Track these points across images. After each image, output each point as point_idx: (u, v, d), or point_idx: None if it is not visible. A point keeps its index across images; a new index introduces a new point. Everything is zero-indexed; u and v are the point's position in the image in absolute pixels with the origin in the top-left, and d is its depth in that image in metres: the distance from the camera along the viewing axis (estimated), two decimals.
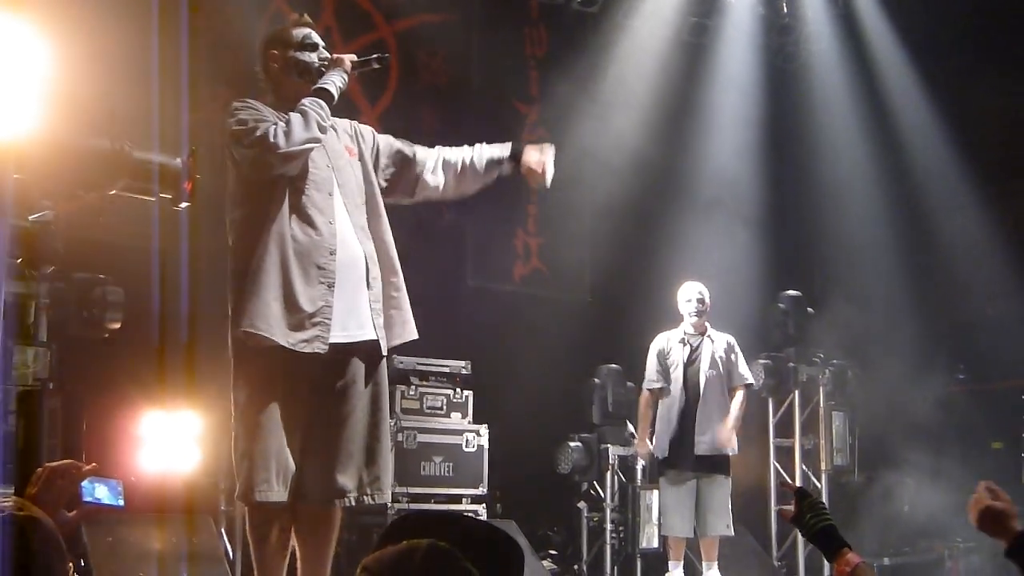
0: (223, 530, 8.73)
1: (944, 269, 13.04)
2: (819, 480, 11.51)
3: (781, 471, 11.50)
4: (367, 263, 5.30)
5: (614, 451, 10.72)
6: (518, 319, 11.71)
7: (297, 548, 5.27)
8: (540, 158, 5.93)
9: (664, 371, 9.46)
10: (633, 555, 10.60)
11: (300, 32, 5.46)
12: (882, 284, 12.53)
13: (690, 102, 12.77)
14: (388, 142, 5.84)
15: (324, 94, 5.35)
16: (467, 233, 12.25)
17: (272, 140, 5.04)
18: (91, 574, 7.68)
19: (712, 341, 9.45)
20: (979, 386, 13.17)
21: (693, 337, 9.45)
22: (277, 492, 4.99)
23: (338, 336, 5.08)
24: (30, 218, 7.36)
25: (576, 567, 10.73)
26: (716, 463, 9.27)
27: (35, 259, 7.57)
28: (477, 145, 6.00)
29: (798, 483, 11.25)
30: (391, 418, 9.22)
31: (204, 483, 8.64)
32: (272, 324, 4.96)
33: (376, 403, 5.25)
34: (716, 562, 9.23)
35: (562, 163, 12.51)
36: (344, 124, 5.71)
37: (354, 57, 5.54)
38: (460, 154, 5.93)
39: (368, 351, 5.23)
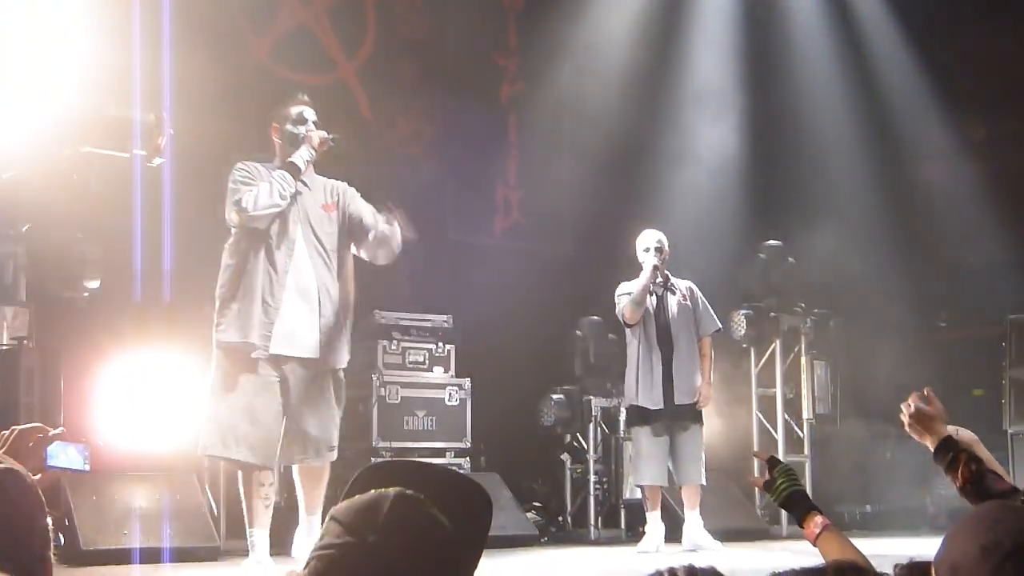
0: (207, 487, 8.74)
1: (925, 217, 13.06)
2: (801, 429, 11.56)
3: (763, 420, 11.54)
4: (319, 299, 6.86)
5: (597, 403, 10.74)
6: (500, 272, 11.69)
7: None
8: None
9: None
10: (617, 506, 10.64)
11: (295, 109, 7.11)
12: (863, 232, 12.53)
13: (668, 52, 12.72)
14: (359, 209, 7.20)
15: (292, 167, 6.94)
16: (447, 187, 12.22)
17: (244, 204, 6.73)
18: (75, 533, 7.69)
19: (675, 291, 9.45)
20: (960, 333, 13.22)
21: (656, 286, 9.43)
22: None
23: (281, 348, 6.73)
24: (3, 176, 7.31)
25: (560, 519, 10.77)
26: (691, 412, 9.30)
27: (11, 217, 7.53)
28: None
29: (780, 433, 11.31)
30: (374, 373, 9.57)
31: (186, 440, 8.64)
32: (237, 332, 6.74)
33: (315, 393, 6.89)
34: (697, 509, 9.28)
35: (541, 116, 12.55)
36: (329, 184, 7.20)
37: (323, 135, 7.05)
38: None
39: (308, 362, 6.86)
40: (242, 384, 6.76)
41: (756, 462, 3.59)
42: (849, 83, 12.94)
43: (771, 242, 11.51)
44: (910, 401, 3.79)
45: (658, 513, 9.30)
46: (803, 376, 11.55)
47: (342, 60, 11.60)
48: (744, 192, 12.23)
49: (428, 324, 10.11)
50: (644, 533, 9.36)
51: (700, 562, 1.53)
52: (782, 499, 3.65)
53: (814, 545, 3.51)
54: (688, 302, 9.45)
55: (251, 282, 6.77)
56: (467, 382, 10.10)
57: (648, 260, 9.26)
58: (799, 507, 3.60)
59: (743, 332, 11.10)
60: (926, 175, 13.01)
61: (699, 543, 9.10)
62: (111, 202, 8.49)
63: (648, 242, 9.41)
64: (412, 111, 12.07)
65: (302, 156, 6.96)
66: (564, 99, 12.31)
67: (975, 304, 12.49)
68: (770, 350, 11.50)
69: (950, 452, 3.62)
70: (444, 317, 10.20)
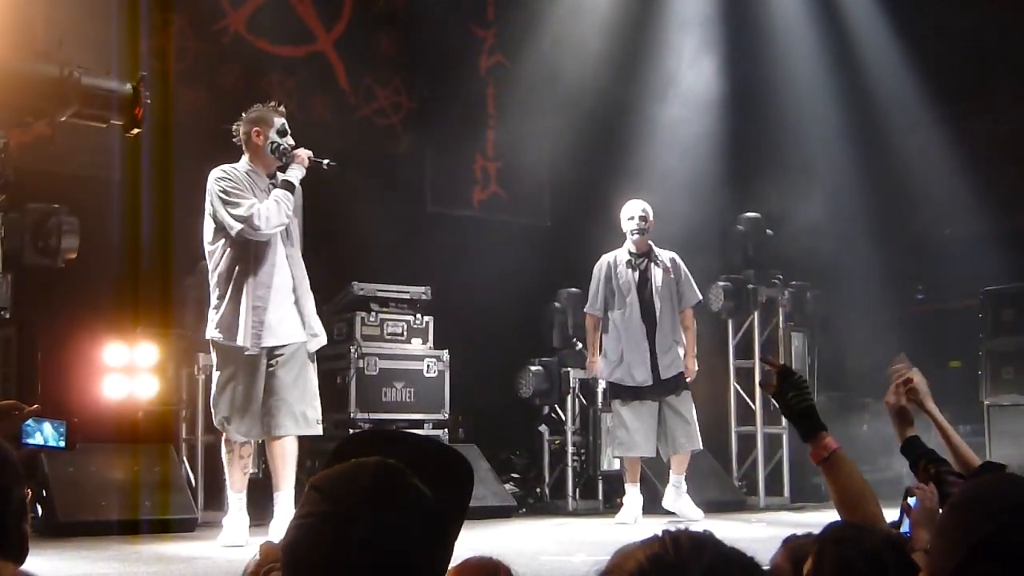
0: (184, 458, 8.75)
1: (902, 189, 13.09)
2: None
3: (742, 392, 11.57)
4: (295, 290, 7.28)
5: (575, 375, 10.75)
6: (478, 244, 11.70)
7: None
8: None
9: (612, 294, 9.49)
10: (595, 477, 10.67)
11: (280, 120, 7.30)
12: (841, 205, 12.56)
13: (647, 25, 12.68)
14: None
15: (291, 187, 7.21)
16: (426, 159, 12.21)
17: (256, 222, 7.01)
18: (53, 504, 7.68)
19: (658, 262, 9.47)
20: (937, 305, 13.28)
21: (638, 259, 9.45)
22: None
23: (269, 341, 7.13)
24: None
25: (538, 490, 10.80)
26: (678, 382, 9.35)
27: None
28: None
29: (758, 404, 11.34)
30: (352, 344, 9.64)
31: (164, 412, 8.65)
32: (228, 333, 7.15)
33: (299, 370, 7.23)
34: (683, 474, 9.34)
35: (519, 87, 12.52)
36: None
37: (310, 154, 7.28)
38: None
39: (296, 346, 7.24)
40: (237, 375, 7.19)
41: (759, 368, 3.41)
42: (827, 57, 12.93)
43: (749, 214, 11.52)
44: (904, 375, 3.78)
45: (637, 485, 9.34)
46: (780, 348, 11.57)
47: (320, 32, 11.55)
48: (723, 165, 12.22)
49: (406, 296, 10.10)
50: (622, 504, 9.38)
51: (697, 527, 1.54)
52: (792, 413, 3.49)
53: (817, 465, 3.41)
54: (672, 275, 9.48)
55: (239, 285, 7.14)
56: (445, 354, 10.10)
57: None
58: (809, 424, 3.44)
59: (721, 304, 11.12)
60: (904, 147, 13.03)
61: (682, 511, 9.14)
62: (89, 172, 8.46)
63: (632, 211, 9.44)
64: (390, 83, 12.04)
65: (296, 175, 7.25)
66: (542, 71, 12.28)
67: (952, 277, 12.54)
68: (748, 322, 11.52)
69: (911, 454, 3.66)
70: (422, 289, 10.19)
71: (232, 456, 7.25)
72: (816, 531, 2.71)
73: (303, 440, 7.38)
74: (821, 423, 3.44)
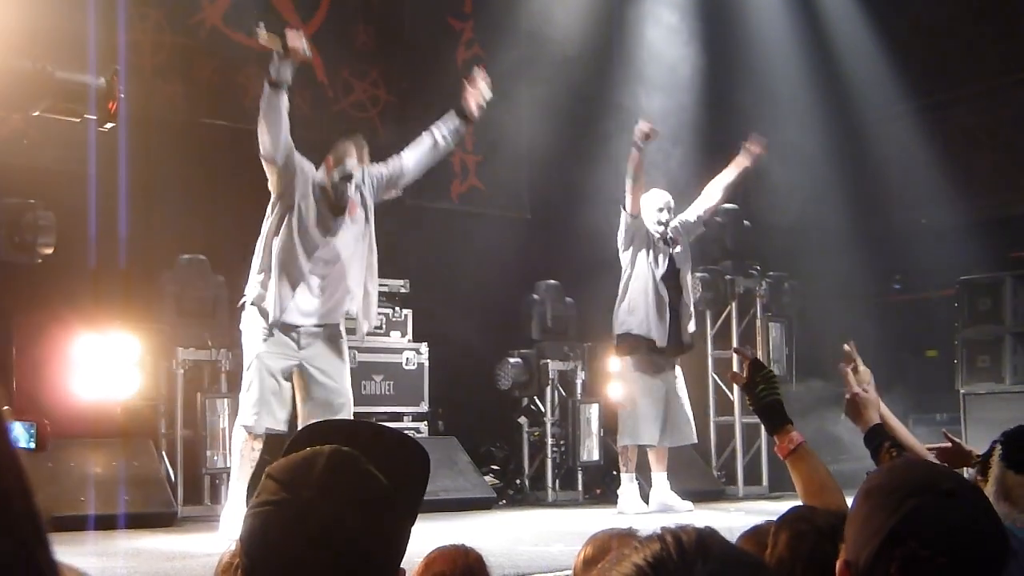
0: (163, 453, 8.75)
1: (879, 180, 13.15)
2: None
3: (720, 383, 11.62)
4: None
5: (554, 366, 10.78)
6: (456, 237, 11.72)
7: None
8: (474, 96, 7.81)
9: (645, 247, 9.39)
10: (574, 468, 10.69)
11: (351, 163, 7.33)
12: (818, 196, 12.61)
13: (625, 16, 12.71)
14: None
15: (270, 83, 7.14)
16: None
17: None
18: None
19: (678, 242, 9.47)
20: (914, 295, 13.35)
21: (660, 245, 9.39)
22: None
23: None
24: None
25: (518, 481, 10.82)
26: (680, 361, 9.47)
27: None
28: (433, 130, 7.84)
29: (736, 394, 11.39)
30: None
31: (143, 407, 8.64)
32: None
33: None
34: (665, 471, 9.38)
35: (497, 79, 12.48)
36: None
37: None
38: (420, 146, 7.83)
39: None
40: None
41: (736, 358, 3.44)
42: (802, 49, 12.98)
43: (727, 205, 11.55)
44: (850, 385, 3.82)
45: (634, 474, 9.37)
46: (758, 338, 11.63)
47: (297, 24, 11.50)
48: (700, 156, 12.24)
49: (385, 289, 10.08)
50: (600, 494, 9.41)
51: (699, 523, 1.48)
52: (760, 405, 3.54)
53: (784, 460, 3.44)
54: (685, 248, 9.51)
55: None
56: (424, 346, 10.12)
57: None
58: (775, 418, 3.49)
59: (699, 295, 11.15)
60: (881, 138, 13.09)
61: (670, 504, 9.18)
62: (65, 167, 8.45)
63: (659, 202, 9.41)
64: (367, 76, 12.04)
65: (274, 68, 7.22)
66: (520, 63, 12.28)
67: (928, 266, 12.61)
68: (725, 312, 11.58)
69: (875, 440, 3.70)
70: (401, 282, 10.20)
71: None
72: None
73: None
74: (787, 417, 3.49)
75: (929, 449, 4.50)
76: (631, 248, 9.35)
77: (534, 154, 12.57)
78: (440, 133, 7.80)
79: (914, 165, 12.67)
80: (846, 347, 3.93)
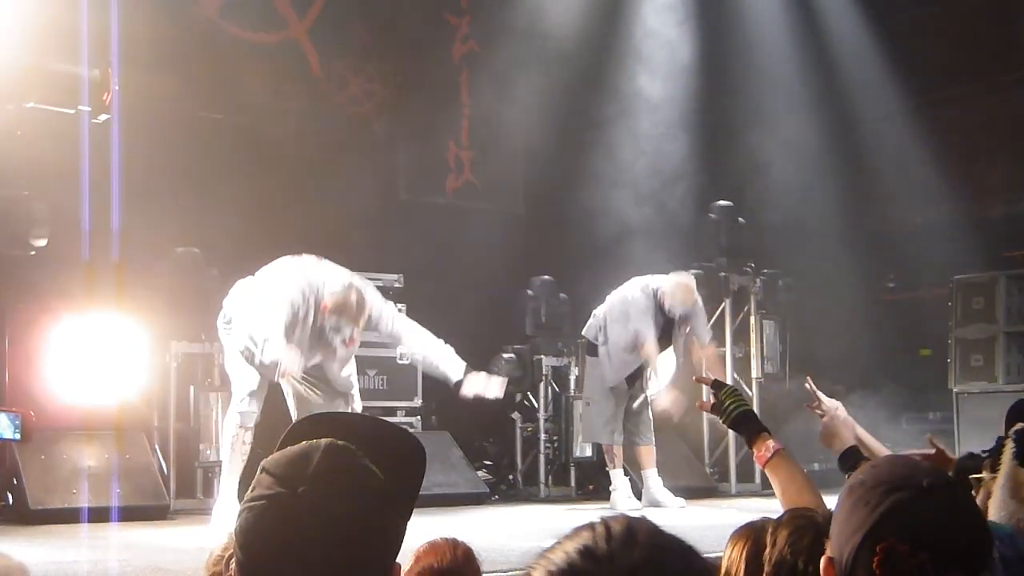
0: (156, 446, 8.73)
1: (873, 178, 13.15)
2: (750, 388, 11.64)
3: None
4: None
5: (547, 362, 10.78)
6: (451, 232, 11.70)
7: None
8: (478, 390, 7.67)
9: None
10: (567, 464, 10.69)
11: (332, 319, 7.24)
12: (813, 194, 12.61)
13: (621, 16, 12.68)
14: None
15: None
16: (399, 147, 12.19)
17: None
18: (23, 492, 7.67)
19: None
20: (908, 294, 13.35)
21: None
22: None
23: None
24: None
25: (511, 477, 10.82)
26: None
27: None
28: (438, 349, 7.81)
29: None
30: None
31: (135, 400, 8.62)
32: None
33: None
34: (655, 468, 9.40)
35: (493, 75, 12.48)
36: None
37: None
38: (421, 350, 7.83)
39: None
40: None
41: (704, 388, 3.52)
42: (798, 47, 12.96)
43: (721, 203, 11.56)
44: (823, 418, 3.90)
45: (622, 469, 9.39)
46: (752, 335, 11.62)
47: (293, 19, 11.52)
48: (695, 154, 12.25)
49: (379, 283, 10.04)
50: (593, 490, 9.43)
51: (634, 514, 1.48)
52: (731, 420, 3.58)
53: (763, 468, 3.46)
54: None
55: None
56: None
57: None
58: (748, 428, 3.53)
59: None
60: (876, 136, 13.09)
61: (661, 501, 9.18)
62: (58, 159, 8.43)
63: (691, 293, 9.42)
64: (363, 71, 12.02)
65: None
66: (516, 58, 12.27)
67: (922, 265, 12.61)
68: (720, 310, 11.56)
69: (849, 461, 3.73)
70: (395, 276, 10.18)
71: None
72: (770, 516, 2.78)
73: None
74: (761, 425, 3.53)
75: (911, 455, 4.52)
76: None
77: (529, 150, 12.55)
78: (438, 367, 7.78)
79: (909, 164, 12.67)
80: (807, 385, 3.99)
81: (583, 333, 9.67)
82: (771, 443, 3.44)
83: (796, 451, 11.12)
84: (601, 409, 9.44)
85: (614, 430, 9.35)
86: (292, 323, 7.10)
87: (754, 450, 3.48)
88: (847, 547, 2.03)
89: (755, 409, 10.45)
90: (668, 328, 9.36)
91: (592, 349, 9.56)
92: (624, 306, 9.31)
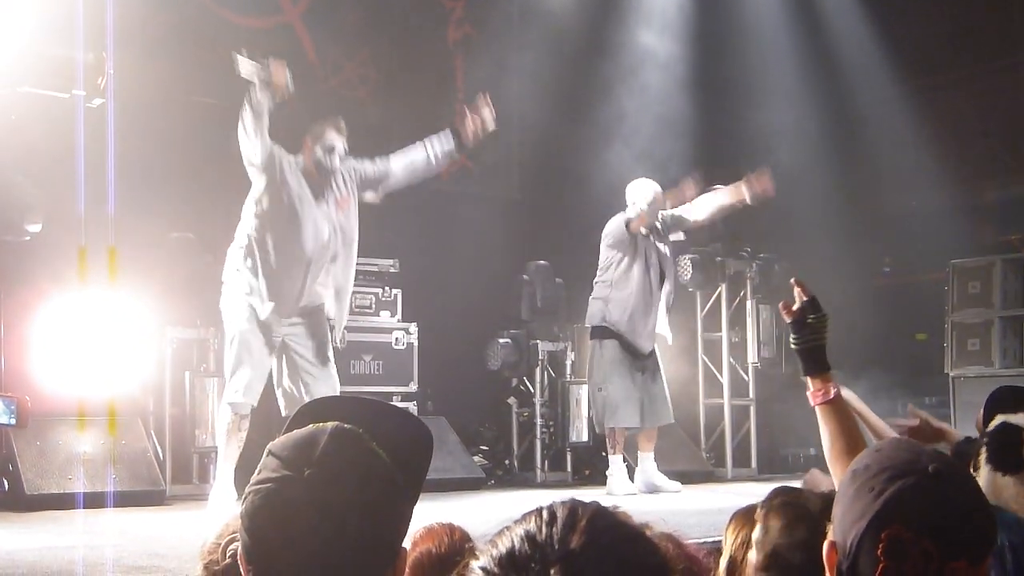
0: (152, 432, 8.71)
1: (870, 162, 13.13)
2: (746, 373, 11.65)
3: (709, 364, 11.62)
4: None
5: (543, 347, 10.78)
6: (446, 217, 11.67)
7: None
8: (474, 124, 7.72)
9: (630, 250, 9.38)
10: (563, 449, 10.70)
11: (331, 135, 7.50)
12: (809, 178, 12.58)
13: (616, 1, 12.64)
14: None
15: None
16: (394, 132, 12.13)
17: None
18: (19, 478, 7.65)
19: (665, 240, 9.50)
20: (904, 278, 13.35)
21: (648, 237, 9.40)
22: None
23: None
24: None
25: (507, 462, 10.82)
26: (654, 353, 9.43)
27: None
28: (428, 146, 7.86)
29: (725, 376, 11.39)
30: None
31: (130, 385, 8.60)
32: None
33: None
34: (652, 452, 9.38)
35: (488, 59, 12.44)
36: None
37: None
38: (410, 155, 7.89)
39: None
40: None
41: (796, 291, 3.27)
42: (796, 29, 12.94)
43: (717, 187, 11.53)
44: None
45: (622, 455, 9.36)
46: (748, 320, 11.63)
47: (287, 3, 11.47)
48: (691, 138, 12.23)
49: (375, 268, 10.07)
50: (588, 475, 9.41)
51: (590, 498, 1.46)
52: (806, 343, 3.44)
53: (815, 406, 3.34)
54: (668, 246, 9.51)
55: None
56: (414, 326, 10.10)
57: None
58: (815, 365, 3.41)
59: (689, 276, 11.16)
60: (872, 121, 13.07)
61: (657, 485, 9.17)
62: (53, 144, 8.38)
63: (649, 194, 9.35)
64: (358, 55, 11.97)
65: None
66: (511, 42, 12.24)
67: (919, 250, 12.61)
68: (716, 294, 11.57)
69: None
70: (391, 261, 10.17)
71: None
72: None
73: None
74: (828, 364, 3.41)
75: (895, 426, 4.51)
76: (619, 249, 9.32)
77: (525, 135, 12.52)
78: (434, 151, 7.83)
79: (905, 148, 12.65)
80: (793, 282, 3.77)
81: (588, 318, 9.55)
82: (831, 387, 3.33)
83: (792, 435, 11.21)
84: (617, 390, 9.31)
85: (638, 407, 9.24)
86: (269, 163, 7.26)
87: (811, 384, 3.36)
88: (851, 533, 2.01)
89: (751, 394, 10.54)
90: (660, 265, 9.34)
91: (597, 332, 9.47)
92: (607, 275, 9.32)
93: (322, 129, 7.49)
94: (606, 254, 9.38)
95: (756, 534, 2.63)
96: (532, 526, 1.42)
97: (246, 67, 7.12)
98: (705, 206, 9.51)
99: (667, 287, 9.44)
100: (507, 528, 1.44)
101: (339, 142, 7.51)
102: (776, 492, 2.75)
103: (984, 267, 11.48)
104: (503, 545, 1.41)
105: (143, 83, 9.73)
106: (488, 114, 7.77)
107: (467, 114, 7.78)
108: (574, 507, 1.43)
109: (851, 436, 3.27)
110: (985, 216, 12.24)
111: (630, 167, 10.87)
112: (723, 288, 11.55)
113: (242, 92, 7.29)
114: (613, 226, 9.35)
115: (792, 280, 3.56)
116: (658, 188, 9.41)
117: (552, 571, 1.36)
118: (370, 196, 7.90)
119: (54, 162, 8.45)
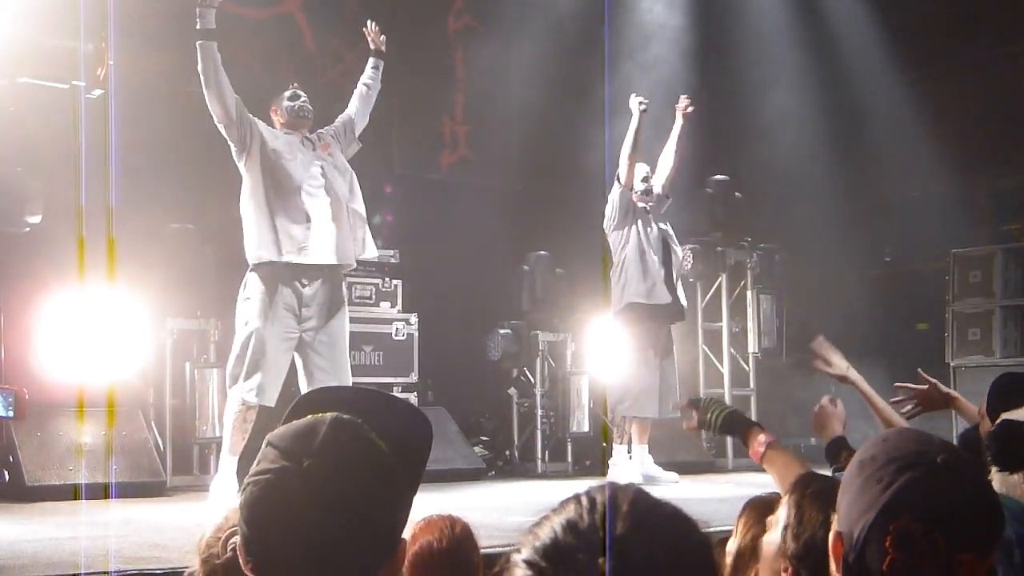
0: (152, 423, 8.71)
1: (870, 152, 13.12)
2: (746, 363, 11.65)
3: (709, 354, 11.62)
4: None
5: (544, 337, 10.77)
6: (447, 207, 11.67)
7: None
8: (373, 33, 8.40)
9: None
10: (564, 439, 10.69)
11: (287, 93, 7.82)
12: (809, 168, 12.57)
13: None
14: None
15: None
16: (394, 122, 12.14)
17: None
18: (20, 469, 7.65)
19: (664, 221, 9.52)
20: (904, 268, 13.34)
21: (642, 212, 9.42)
22: None
23: None
24: None
25: (507, 452, 10.82)
26: (675, 329, 9.47)
27: None
28: (360, 82, 8.42)
29: (726, 367, 11.39)
30: None
31: (131, 376, 8.59)
32: None
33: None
34: (647, 444, 9.39)
35: (488, 51, 12.43)
36: None
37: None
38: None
39: None
40: None
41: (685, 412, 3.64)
42: (797, 18, 12.91)
43: (718, 177, 11.53)
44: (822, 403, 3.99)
45: (626, 446, 9.36)
46: (749, 310, 11.63)
47: None
48: (692, 127, 12.20)
49: (375, 259, 10.04)
50: (589, 465, 9.41)
51: (623, 482, 1.43)
52: (720, 426, 3.63)
53: (760, 464, 3.47)
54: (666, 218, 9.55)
55: None
56: (414, 317, 10.09)
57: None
58: (738, 427, 3.59)
59: (690, 266, 11.14)
60: (872, 111, 13.06)
61: (655, 476, 9.17)
62: (52, 135, 8.37)
63: (640, 172, 9.42)
64: (357, 46, 11.92)
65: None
66: (511, 33, 12.22)
67: (919, 239, 12.59)
68: (716, 284, 11.57)
69: (835, 449, 3.77)
70: (391, 252, 10.16)
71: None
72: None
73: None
74: (750, 421, 3.62)
75: (898, 387, 4.51)
76: (623, 223, 9.32)
77: (525, 125, 12.51)
78: (365, 80, 8.33)
79: (906, 138, 12.63)
80: (816, 346, 4.03)
81: (614, 309, 9.50)
82: (763, 437, 3.48)
83: (792, 424, 11.17)
84: (637, 378, 9.29)
85: (654, 402, 9.25)
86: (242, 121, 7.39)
87: (749, 447, 3.51)
88: (858, 524, 2.00)
89: (751, 384, 10.53)
90: (663, 239, 9.36)
91: (621, 314, 9.39)
92: (619, 254, 9.37)
93: (280, 94, 7.75)
94: (612, 239, 9.40)
95: (788, 521, 2.62)
96: (573, 514, 1.39)
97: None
98: (665, 162, 9.61)
99: (676, 256, 9.47)
100: (545, 518, 1.41)
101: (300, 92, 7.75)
102: (808, 479, 2.73)
103: (985, 256, 11.47)
104: (544, 535, 1.38)
105: (143, 74, 9.73)
106: (372, 25, 8.44)
107: (367, 37, 8.41)
108: (614, 492, 1.40)
109: (796, 468, 3.36)
110: (986, 206, 12.22)
111: None
112: (724, 278, 11.55)
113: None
114: (608, 205, 9.38)
115: (674, 406, 3.92)
116: (644, 166, 9.48)
117: (600, 560, 1.33)
118: (354, 147, 8.15)
119: (54, 153, 8.45)
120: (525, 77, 12.36)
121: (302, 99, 7.73)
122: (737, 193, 11.54)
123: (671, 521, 1.40)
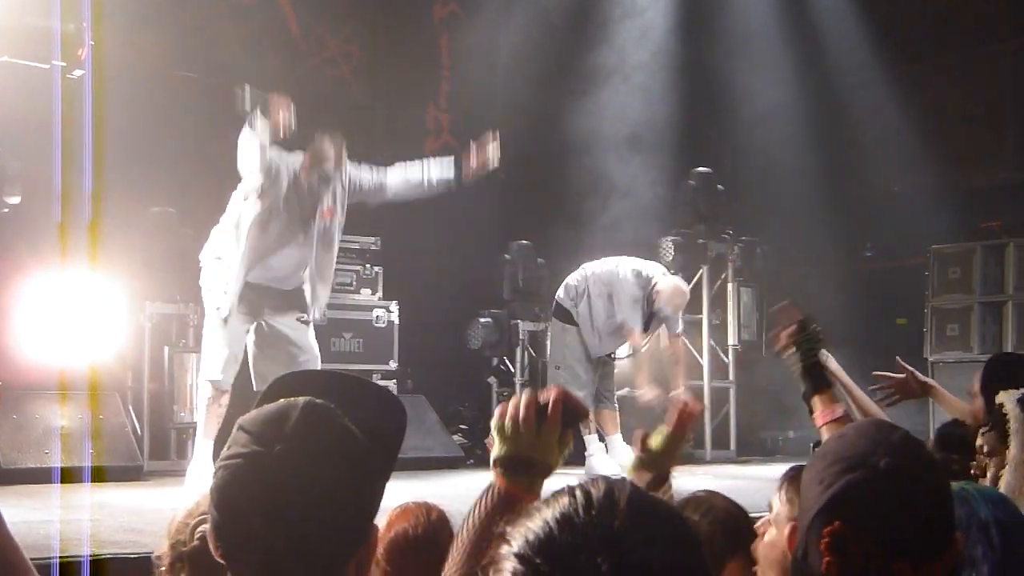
0: (130, 407, 8.68)
1: (853, 146, 13.14)
2: (726, 355, 11.65)
3: (689, 346, 11.60)
4: None
5: (524, 327, 10.77)
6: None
7: None
8: (478, 161, 7.85)
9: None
10: None
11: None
12: (791, 161, 12.59)
13: None
14: None
15: None
16: (377, 109, 12.11)
17: None
18: None
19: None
20: (885, 263, 13.37)
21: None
22: None
23: None
24: None
25: (487, 441, 10.78)
26: None
27: None
28: (426, 169, 7.95)
29: (705, 359, 11.39)
30: None
31: (109, 360, 8.56)
32: None
33: None
34: (619, 433, 9.40)
35: (473, 38, 12.40)
36: None
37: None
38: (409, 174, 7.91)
39: None
40: None
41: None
42: (781, 11, 12.91)
43: (700, 169, 11.52)
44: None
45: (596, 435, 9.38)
46: (729, 303, 11.63)
47: None
48: (675, 120, 12.20)
49: (355, 246, 10.03)
50: (568, 455, 9.38)
51: (615, 476, 1.39)
52: (803, 367, 3.43)
53: (820, 426, 3.31)
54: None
55: None
56: (395, 304, 10.07)
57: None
58: (816, 380, 3.41)
59: (670, 258, 11.12)
60: (856, 105, 13.07)
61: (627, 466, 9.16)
62: (32, 115, 8.32)
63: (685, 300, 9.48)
64: (342, 32, 11.92)
65: None
66: (496, 21, 12.19)
67: (900, 234, 12.62)
68: (697, 276, 11.55)
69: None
70: (372, 239, 10.13)
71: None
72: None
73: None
74: (829, 381, 3.44)
75: (877, 376, 4.50)
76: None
77: (508, 114, 12.48)
78: (432, 178, 7.90)
79: (888, 133, 12.65)
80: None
81: (557, 297, 9.50)
82: (838, 408, 3.34)
83: (771, 418, 11.18)
84: (576, 375, 9.35)
85: (589, 395, 9.31)
86: (266, 187, 7.19)
87: (817, 405, 3.35)
88: (803, 522, 2.01)
89: (731, 376, 10.56)
90: (648, 320, 9.34)
91: (563, 314, 9.44)
92: (611, 285, 9.22)
93: (322, 152, 7.38)
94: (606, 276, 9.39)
95: (789, 516, 2.60)
96: (567, 508, 1.34)
97: (248, 101, 7.08)
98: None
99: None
100: (536, 510, 1.35)
101: (336, 174, 7.47)
102: (798, 472, 2.70)
103: (964, 253, 11.48)
104: (537, 529, 1.32)
105: (125, 56, 9.67)
106: (493, 151, 7.82)
107: (474, 148, 7.87)
108: (610, 486, 1.36)
109: None
110: (966, 202, 12.24)
111: (613, 148, 10.87)
112: (704, 270, 11.53)
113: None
114: (628, 283, 9.27)
115: (780, 307, 3.58)
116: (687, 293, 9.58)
117: (599, 559, 1.28)
118: (356, 199, 7.94)
119: (34, 134, 8.39)
120: (510, 65, 12.33)
121: (331, 181, 7.52)
122: (719, 186, 11.53)
123: (669, 519, 1.38)
